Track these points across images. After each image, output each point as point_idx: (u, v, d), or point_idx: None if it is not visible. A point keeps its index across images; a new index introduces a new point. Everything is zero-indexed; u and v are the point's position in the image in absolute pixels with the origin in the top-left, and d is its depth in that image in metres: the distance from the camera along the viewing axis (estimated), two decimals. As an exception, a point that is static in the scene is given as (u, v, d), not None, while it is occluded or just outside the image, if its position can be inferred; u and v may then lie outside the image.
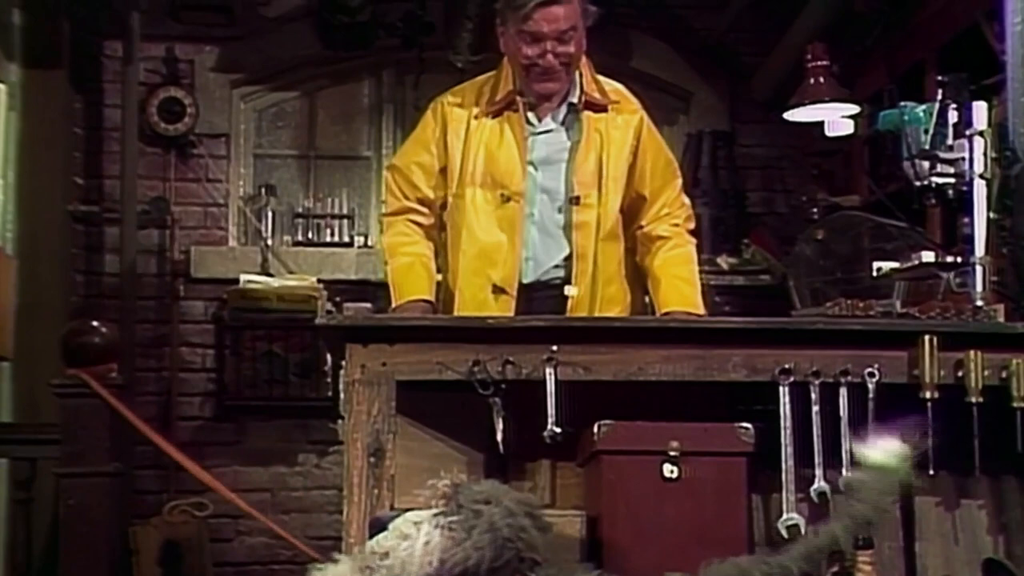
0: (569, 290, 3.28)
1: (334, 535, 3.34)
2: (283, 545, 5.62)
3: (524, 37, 3.24)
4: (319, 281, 5.60)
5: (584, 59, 3.36)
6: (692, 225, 3.48)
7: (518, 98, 3.31)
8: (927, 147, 3.10)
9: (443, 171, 3.34)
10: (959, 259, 3.10)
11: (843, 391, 2.73)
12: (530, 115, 3.32)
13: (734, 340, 2.76)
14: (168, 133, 5.73)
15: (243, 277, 5.62)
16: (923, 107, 3.16)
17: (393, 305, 3.31)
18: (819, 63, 4.89)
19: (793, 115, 5.17)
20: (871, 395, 2.72)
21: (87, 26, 5.56)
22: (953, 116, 3.11)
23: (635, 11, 6.00)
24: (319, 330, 3.00)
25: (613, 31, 6.04)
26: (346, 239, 5.87)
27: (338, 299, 5.40)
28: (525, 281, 3.29)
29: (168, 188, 5.77)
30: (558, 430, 2.72)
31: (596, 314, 3.24)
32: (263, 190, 5.90)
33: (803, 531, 2.73)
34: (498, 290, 3.25)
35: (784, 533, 2.74)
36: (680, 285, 3.33)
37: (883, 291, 3.71)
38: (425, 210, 3.37)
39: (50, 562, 3.69)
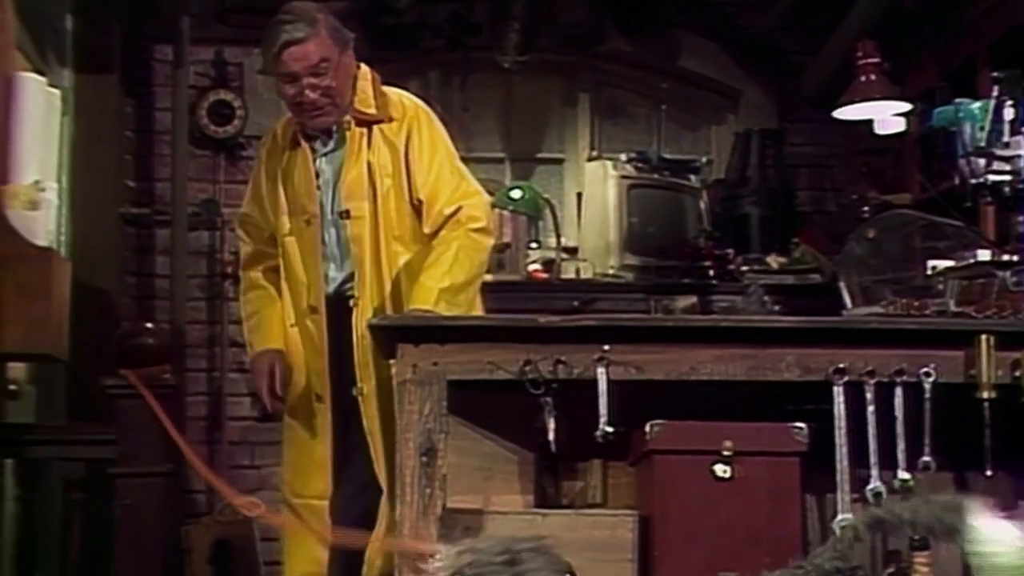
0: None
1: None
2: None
3: (282, 78, 3.34)
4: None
5: (369, 74, 3.46)
6: (479, 224, 3.38)
7: (299, 129, 3.44)
8: (983, 144, 3.07)
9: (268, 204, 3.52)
10: (1015, 257, 3.07)
11: (898, 391, 2.71)
12: (316, 142, 3.44)
13: (787, 340, 2.74)
14: (217, 135, 5.77)
15: (292, 278, 5.64)
16: (978, 104, 3.14)
17: (248, 360, 3.57)
18: (870, 60, 4.84)
19: (843, 113, 5.13)
20: (927, 395, 2.70)
21: (137, 31, 5.61)
22: (1009, 113, 3.08)
23: (682, 10, 5.98)
24: (371, 330, 3.01)
25: (660, 31, 6.03)
26: (394, 240, 5.88)
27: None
28: (328, 297, 3.39)
29: (217, 190, 5.81)
30: (610, 430, 2.72)
31: None
32: (311, 191, 5.92)
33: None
34: (312, 310, 3.38)
35: (839, 533, 2.72)
36: (420, 285, 3.27)
37: (934, 290, 3.67)
38: (273, 251, 3.51)
39: (101, 562, 3.72)
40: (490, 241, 3.45)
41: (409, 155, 3.40)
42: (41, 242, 3.55)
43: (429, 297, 3.24)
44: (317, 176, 3.41)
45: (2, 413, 3.71)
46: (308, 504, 3.40)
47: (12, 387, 4.05)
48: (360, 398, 3.30)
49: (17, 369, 4.16)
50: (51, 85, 3.81)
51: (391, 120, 3.42)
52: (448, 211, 3.36)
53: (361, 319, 3.30)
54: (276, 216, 3.46)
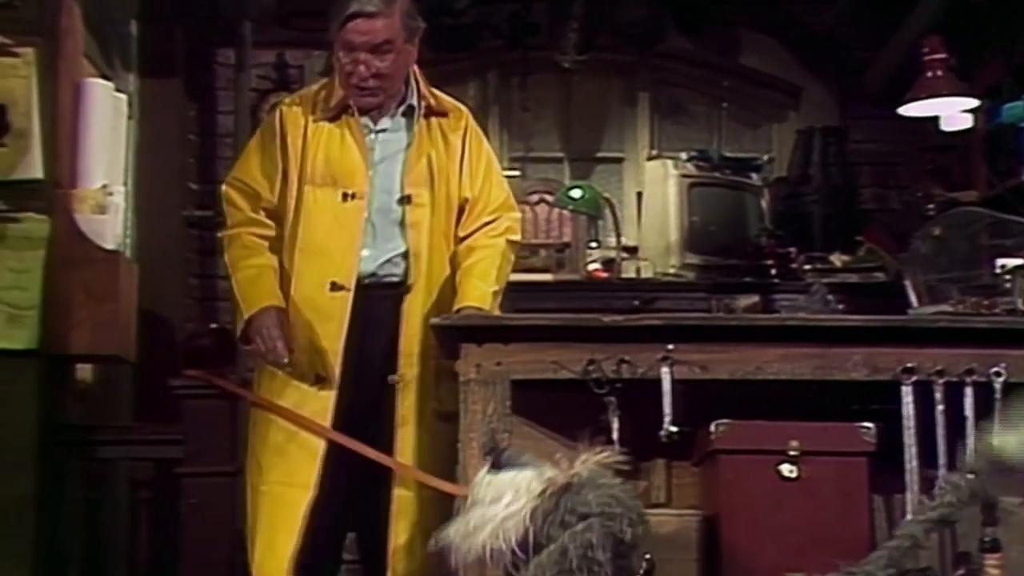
0: (407, 294, 3.22)
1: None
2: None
3: (340, 43, 3.23)
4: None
5: (418, 72, 3.36)
6: (515, 236, 3.40)
7: (351, 103, 3.28)
8: (1053, 140, 3.02)
9: (284, 178, 3.30)
10: (1086, 254, 3.01)
11: (968, 391, 2.67)
12: (365, 118, 3.29)
13: (855, 339, 2.72)
14: (279, 138, 5.82)
15: (354, 279, 5.67)
16: (1049, 99, 3.08)
17: (245, 316, 3.22)
18: (936, 56, 4.78)
19: (908, 110, 5.07)
20: (997, 395, 2.66)
21: (200, 35, 5.67)
22: (1080, 108, 3.02)
23: (743, 7, 5.95)
24: (434, 329, 3.01)
25: (721, 28, 6.00)
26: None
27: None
28: (361, 276, 3.22)
29: (279, 192, 5.85)
30: (674, 429, 2.71)
31: (432, 314, 3.15)
32: (371, 192, 5.95)
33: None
34: (336, 287, 3.19)
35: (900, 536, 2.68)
36: (475, 288, 3.24)
37: (1001, 288, 3.62)
38: (268, 221, 3.31)
39: (167, 560, 3.76)
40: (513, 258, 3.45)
41: (465, 154, 3.36)
42: (109, 245, 3.60)
43: (485, 298, 3.23)
44: (368, 155, 3.27)
45: (70, 414, 3.76)
46: (291, 492, 3.16)
47: (80, 388, 4.11)
48: (398, 386, 3.19)
49: (84, 370, 4.23)
50: (117, 90, 3.87)
51: (448, 115, 3.37)
52: (487, 218, 3.35)
53: (412, 306, 3.22)
54: (299, 184, 3.26)
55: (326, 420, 3.16)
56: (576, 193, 5.47)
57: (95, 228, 3.56)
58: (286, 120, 3.31)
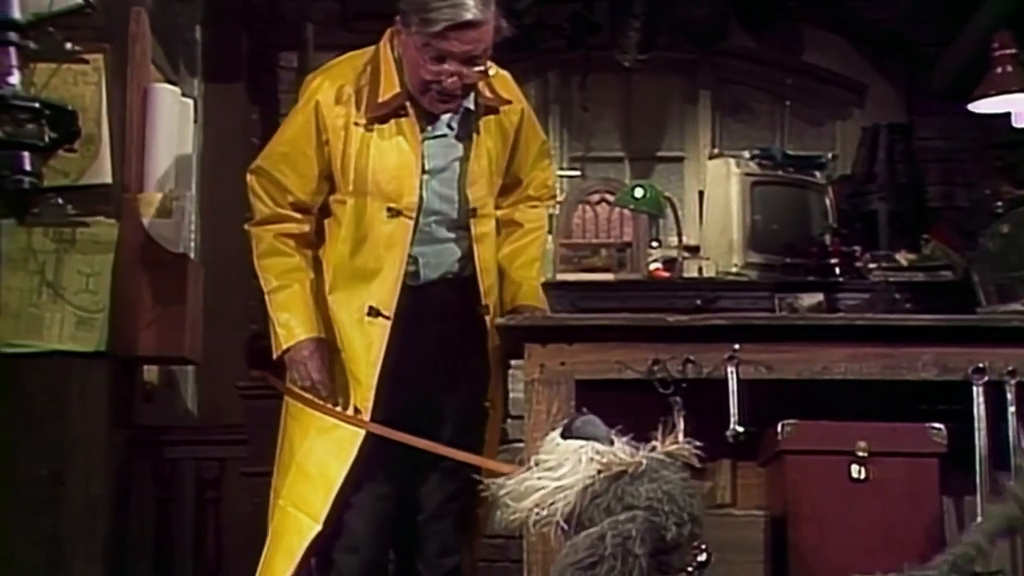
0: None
1: (506, 534, 3.34)
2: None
3: (429, 51, 2.85)
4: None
5: None
6: (553, 201, 3.37)
7: (408, 104, 2.96)
8: None
9: (320, 174, 3.01)
10: None
11: (1042, 391, 2.63)
12: (422, 122, 2.98)
13: (924, 338, 2.69)
14: (341, 141, 5.85)
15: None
16: (1123, 93, 3.02)
17: (283, 346, 3.03)
18: (1006, 51, 4.71)
19: (977, 106, 5.00)
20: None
21: (263, 39, 5.72)
22: None
23: (807, 4, 5.90)
24: (498, 330, 3.01)
25: (784, 25, 5.95)
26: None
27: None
28: (415, 285, 2.99)
29: (342, 194, 5.88)
30: (741, 429, 2.69)
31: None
32: (433, 194, 5.96)
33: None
34: (374, 312, 2.94)
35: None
36: (528, 281, 3.13)
37: (1072, 287, 3.56)
38: (298, 215, 3.04)
39: (234, 559, 3.80)
40: None
41: (519, 138, 3.12)
42: (176, 249, 3.64)
43: (540, 294, 3.17)
44: (423, 162, 2.97)
45: (139, 415, 3.82)
46: (298, 519, 3.00)
47: (147, 389, 4.17)
48: (492, 411, 3.08)
49: (150, 371, 4.28)
50: (183, 95, 3.91)
51: (503, 110, 3.06)
52: (535, 192, 3.22)
53: (492, 328, 2.99)
54: (345, 194, 2.97)
55: (349, 457, 2.95)
56: (639, 192, 5.45)
57: (162, 232, 3.61)
58: (324, 116, 2.96)
